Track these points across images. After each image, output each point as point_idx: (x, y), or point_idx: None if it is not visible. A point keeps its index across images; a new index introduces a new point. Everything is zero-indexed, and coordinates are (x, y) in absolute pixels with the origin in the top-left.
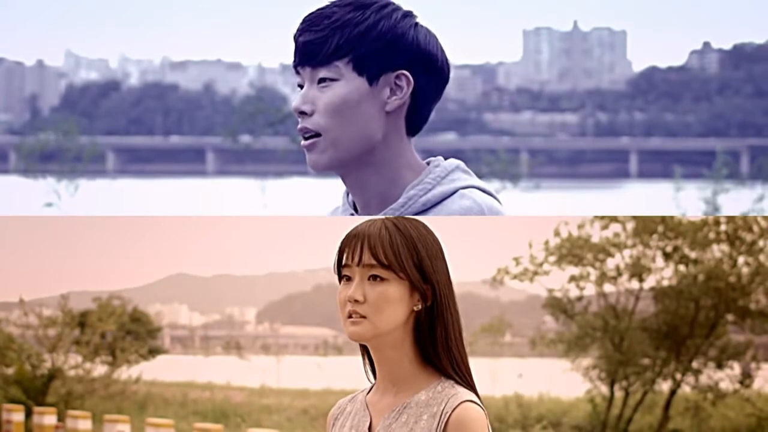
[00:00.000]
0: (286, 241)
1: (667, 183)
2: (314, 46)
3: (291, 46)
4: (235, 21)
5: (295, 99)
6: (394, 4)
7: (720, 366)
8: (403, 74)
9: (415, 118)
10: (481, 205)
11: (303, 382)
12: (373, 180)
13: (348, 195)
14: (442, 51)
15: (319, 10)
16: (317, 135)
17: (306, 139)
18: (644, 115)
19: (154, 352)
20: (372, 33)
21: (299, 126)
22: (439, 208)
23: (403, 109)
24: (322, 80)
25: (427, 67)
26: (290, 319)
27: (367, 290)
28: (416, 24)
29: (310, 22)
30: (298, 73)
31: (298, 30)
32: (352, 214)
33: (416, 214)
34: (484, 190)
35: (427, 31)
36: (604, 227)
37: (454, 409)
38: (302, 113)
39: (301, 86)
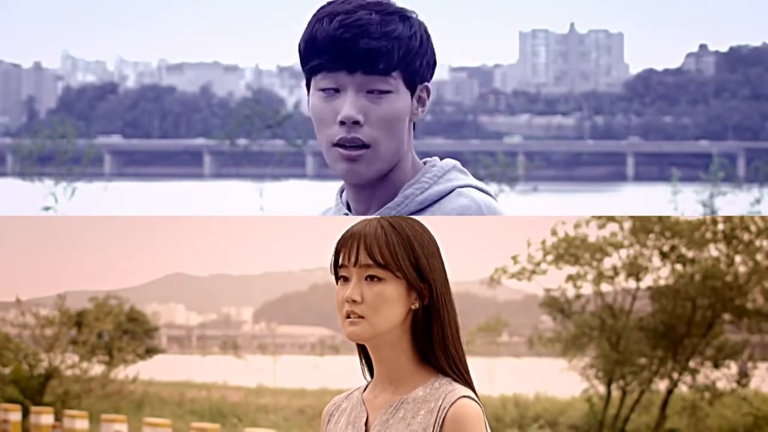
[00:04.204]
0: (282, 241)
1: (664, 186)
2: (377, 55)
3: (287, 48)
4: (231, 23)
5: (346, 106)
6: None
7: (717, 365)
8: (427, 86)
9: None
10: (479, 203)
11: (300, 381)
12: (383, 187)
13: (341, 194)
14: None
15: (363, 9)
16: (366, 147)
17: (353, 149)
18: (641, 118)
19: (151, 351)
20: (421, 48)
21: (349, 135)
22: (436, 207)
23: None
24: (372, 90)
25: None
26: (287, 319)
27: (365, 290)
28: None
29: (362, 27)
30: (327, 71)
31: (343, 31)
32: (346, 214)
33: (413, 212)
34: (481, 189)
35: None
36: (601, 227)
37: (452, 404)
38: (355, 123)
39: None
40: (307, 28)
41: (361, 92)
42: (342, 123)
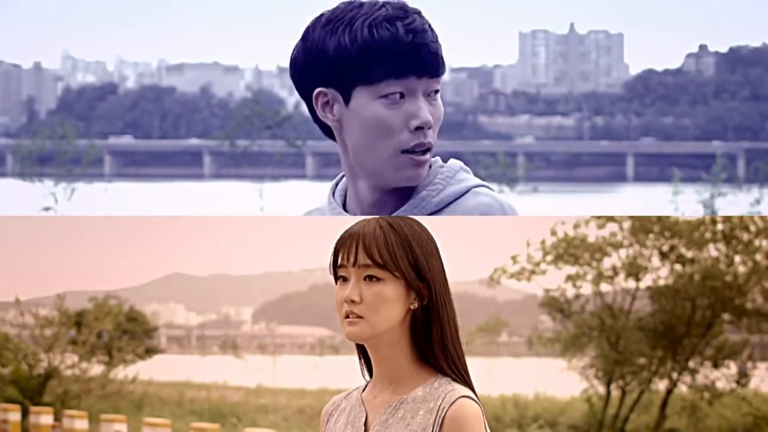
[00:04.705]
0: (282, 241)
1: (664, 186)
2: (440, 58)
3: (287, 48)
4: (231, 23)
5: (422, 111)
6: None
7: (716, 365)
8: None
9: None
10: (500, 201)
11: (299, 381)
12: (400, 188)
13: (334, 194)
14: None
15: (421, 17)
16: (429, 150)
17: (422, 154)
18: (641, 118)
19: (150, 351)
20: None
21: (426, 140)
22: (453, 208)
23: None
24: (430, 93)
25: None
26: (286, 319)
27: (364, 290)
28: None
29: (426, 31)
30: (395, 78)
31: (413, 36)
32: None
33: (430, 214)
34: (491, 189)
35: None
36: (601, 227)
37: (451, 404)
38: (430, 127)
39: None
40: (342, 36)
41: (424, 96)
42: (417, 128)
